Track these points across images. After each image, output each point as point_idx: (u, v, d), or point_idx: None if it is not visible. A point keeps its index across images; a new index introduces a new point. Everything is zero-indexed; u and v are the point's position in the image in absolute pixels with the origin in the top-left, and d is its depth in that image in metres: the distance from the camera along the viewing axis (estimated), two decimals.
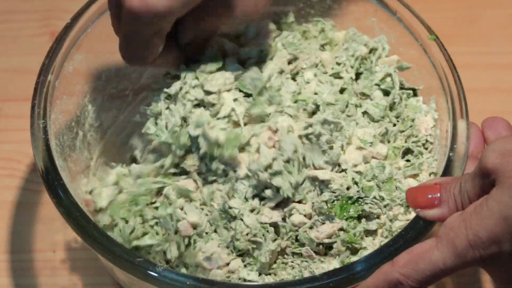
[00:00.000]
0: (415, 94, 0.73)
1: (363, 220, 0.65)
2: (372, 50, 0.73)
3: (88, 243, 0.61)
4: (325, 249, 0.65)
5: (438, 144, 0.70)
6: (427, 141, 0.70)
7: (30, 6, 0.93)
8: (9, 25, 0.92)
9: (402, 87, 0.72)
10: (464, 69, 0.74)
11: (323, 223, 0.64)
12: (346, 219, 0.65)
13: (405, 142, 0.70)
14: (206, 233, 0.66)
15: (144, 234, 0.66)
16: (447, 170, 0.64)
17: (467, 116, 0.67)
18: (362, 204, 0.65)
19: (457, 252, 0.56)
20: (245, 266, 0.65)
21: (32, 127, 0.66)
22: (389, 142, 0.69)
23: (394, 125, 0.70)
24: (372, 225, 0.65)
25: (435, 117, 0.71)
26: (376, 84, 0.71)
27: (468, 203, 0.57)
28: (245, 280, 0.64)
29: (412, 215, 0.67)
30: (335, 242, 0.64)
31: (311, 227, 0.64)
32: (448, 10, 0.93)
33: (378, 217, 0.66)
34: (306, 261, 0.65)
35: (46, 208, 0.79)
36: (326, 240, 0.64)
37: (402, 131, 0.70)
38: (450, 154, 0.65)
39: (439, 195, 0.60)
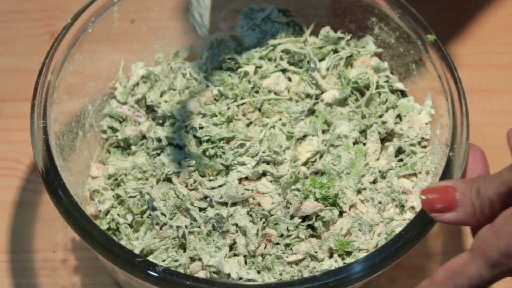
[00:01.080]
0: (405, 95, 0.74)
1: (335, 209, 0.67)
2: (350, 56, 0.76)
3: (88, 243, 0.61)
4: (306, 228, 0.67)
5: (438, 144, 0.70)
6: (422, 138, 0.71)
7: (30, 6, 0.93)
8: (9, 25, 0.91)
9: (390, 89, 0.73)
10: (464, 69, 0.74)
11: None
12: (316, 200, 0.67)
13: (398, 141, 0.71)
14: (199, 233, 0.66)
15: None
16: (447, 170, 0.64)
17: (467, 116, 0.67)
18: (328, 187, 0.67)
19: (492, 264, 0.56)
20: (245, 263, 0.66)
21: (32, 127, 0.66)
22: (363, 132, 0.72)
23: (364, 117, 0.72)
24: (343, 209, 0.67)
25: (431, 113, 0.71)
26: (354, 82, 0.73)
27: (489, 207, 0.57)
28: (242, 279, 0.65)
29: (408, 215, 0.67)
30: (310, 217, 0.66)
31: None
32: (448, 10, 0.93)
33: (354, 206, 0.68)
34: (305, 259, 0.66)
35: (46, 208, 0.79)
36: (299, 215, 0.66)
37: (367, 125, 0.71)
38: (450, 154, 0.65)
39: (455, 198, 0.60)
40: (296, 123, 0.72)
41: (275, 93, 0.73)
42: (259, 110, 0.73)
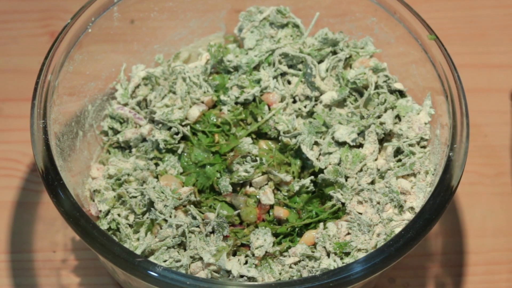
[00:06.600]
0: (403, 95, 0.74)
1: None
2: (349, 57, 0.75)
3: (88, 243, 0.61)
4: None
5: (438, 144, 0.70)
6: (422, 138, 0.71)
7: (30, 6, 0.93)
8: (9, 25, 0.92)
9: (389, 90, 0.73)
10: (464, 69, 0.74)
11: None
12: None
13: (397, 141, 0.71)
14: (199, 232, 0.66)
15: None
16: (447, 170, 0.64)
17: (467, 116, 0.67)
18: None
19: None
20: (245, 262, 0.66)
21: (32, 127, 0.66)
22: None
23: (362, 117, 0.72)
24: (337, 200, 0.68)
25: (431, 113, 0.71)
26: (352, 83, 0.73)
27: None
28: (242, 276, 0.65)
29: (407, 215, 0.67)
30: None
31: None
32: (448, 10, 0.93)
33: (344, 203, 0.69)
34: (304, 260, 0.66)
35: (46, 208, 0.79)
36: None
37: (365, 126, 0.71)
38: (450, 154, 0.65)
39: None
40: (296, 125, 0.72)
41: (275, 95, 0.73)
42: (259, 112, 0.73)
